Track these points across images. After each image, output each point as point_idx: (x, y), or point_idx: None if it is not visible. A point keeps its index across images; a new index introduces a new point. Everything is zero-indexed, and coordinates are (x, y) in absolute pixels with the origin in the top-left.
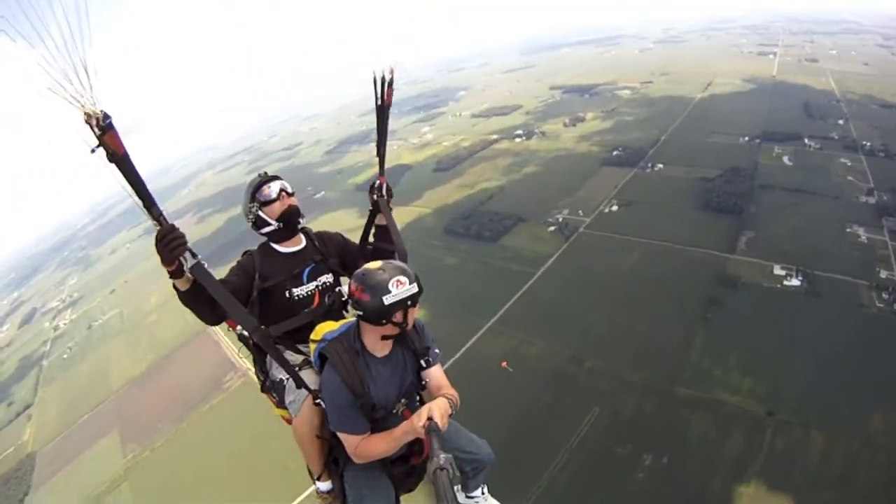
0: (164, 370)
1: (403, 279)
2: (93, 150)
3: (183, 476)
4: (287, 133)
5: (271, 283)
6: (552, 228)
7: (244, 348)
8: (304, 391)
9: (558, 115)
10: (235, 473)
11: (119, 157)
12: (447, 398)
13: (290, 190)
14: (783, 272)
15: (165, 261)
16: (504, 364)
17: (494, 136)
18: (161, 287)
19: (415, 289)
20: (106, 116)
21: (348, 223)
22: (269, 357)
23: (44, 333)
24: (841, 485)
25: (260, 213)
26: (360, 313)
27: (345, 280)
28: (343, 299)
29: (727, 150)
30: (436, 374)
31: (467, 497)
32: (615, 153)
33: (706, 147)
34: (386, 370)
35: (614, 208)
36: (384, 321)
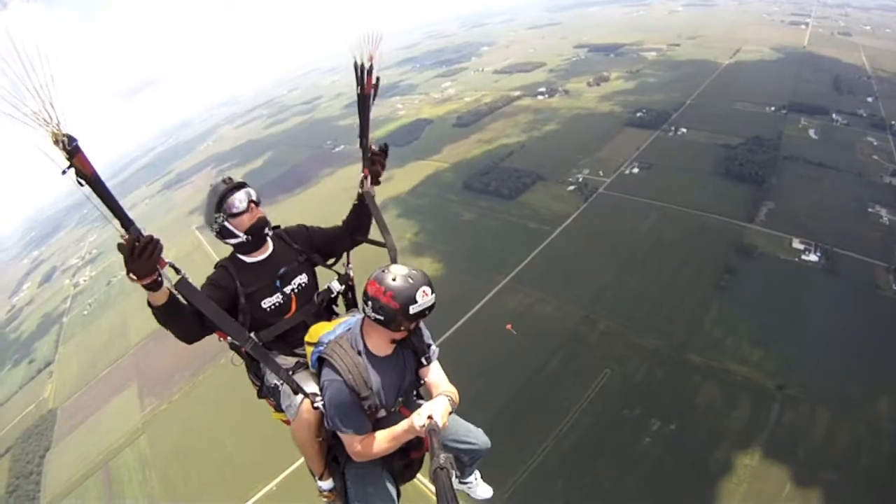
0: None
1: (428, 290)
2: (64, 172)
3: (198, 429)
4: (307, 86)
5: (248, 292)
6: (571, 188)
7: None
8: (299, 396)
9: (582, 74)
10: (248, 425)
11: (88, 178)
12: (446, 397)
13: (256, 199)
14: (801, 246)
15: (143, 273)
16: (509, 326)
17: (516, 93)
18: (178, 242)
19: (434, 299)
20: (71, 140)
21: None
22: (262, 365)
23: (64, 291)
24: (841, 466)
25: (226, 224)
26: (381, 318)
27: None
28: (332, 296)
29: (752, 119)
30: (434, 372)
31: (461, 483)
32: (638, 115)
33: (731, 114)
34: (387, 370)
35: (635, 170)
36: (402, 328)
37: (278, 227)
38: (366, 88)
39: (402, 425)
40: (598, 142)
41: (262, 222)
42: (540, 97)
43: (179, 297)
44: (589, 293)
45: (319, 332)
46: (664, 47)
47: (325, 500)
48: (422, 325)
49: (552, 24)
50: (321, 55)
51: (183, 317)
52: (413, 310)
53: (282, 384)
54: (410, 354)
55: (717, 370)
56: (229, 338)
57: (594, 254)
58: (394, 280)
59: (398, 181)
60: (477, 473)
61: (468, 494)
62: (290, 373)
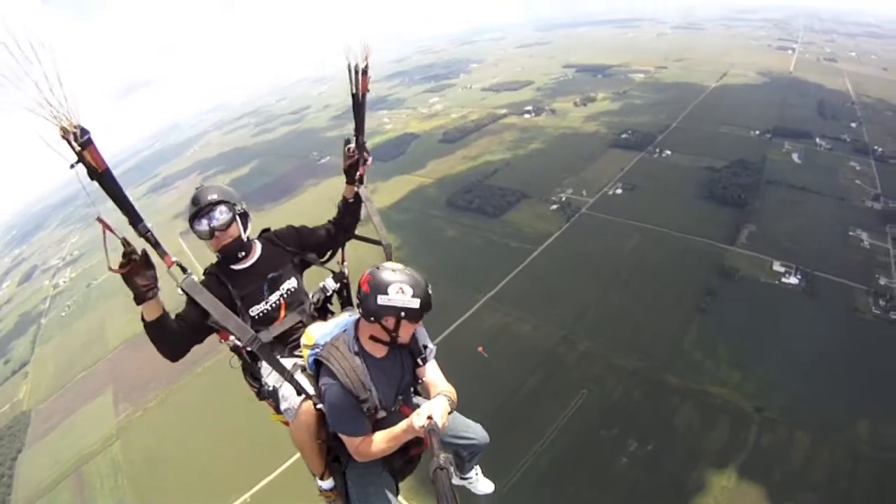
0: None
1: (408, 289)
2: (72, 166)
3: (173, 437)
4: (296, 96)
5: (241, 296)
6: (554, 207)
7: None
8: (298, 398)
9: (569, 94)
10: (224, 436)
11: (100, 174)
12: (445, 397)
13: (222, 224)
14: (782, 269)
15: (147, 282)
16: (480, 349)
17: (503, 111)
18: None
19: (414, 304)
20: (84, 132)
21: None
22: (262, 365)
23: (43, 291)
24: (819, 489)
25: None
26: (360, 307)
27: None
28: (327, 295)
29: (737, 142)
30: (432, 372)
31: (462, 479)
32: (623, 136)
33: (716, 137)
34: (384, 370)
35: (618, 191)
36: (373, 319)
37: (268, 230)
38: (362, 88)
39: (402, 426)
40: (583, 162)
41: (229, 248)
42: (526, 115)
43: (185, 296)
44: (569, 313)
45: (315, 334)
46: (651, 69)
47: (325, 499)
48: (420, 324)
49: (541, 44)
50: (310, 66)
51: (172, 332)
52: (381, 301)
53: (280, 386)
54: (407, 354)
55: (696, 392)
56: (231, 338)
57: (575, 274)
58: (379, 268)
59: (382, 195)
60: (477, 469)
61: (470, 490)
62: (284, 378)
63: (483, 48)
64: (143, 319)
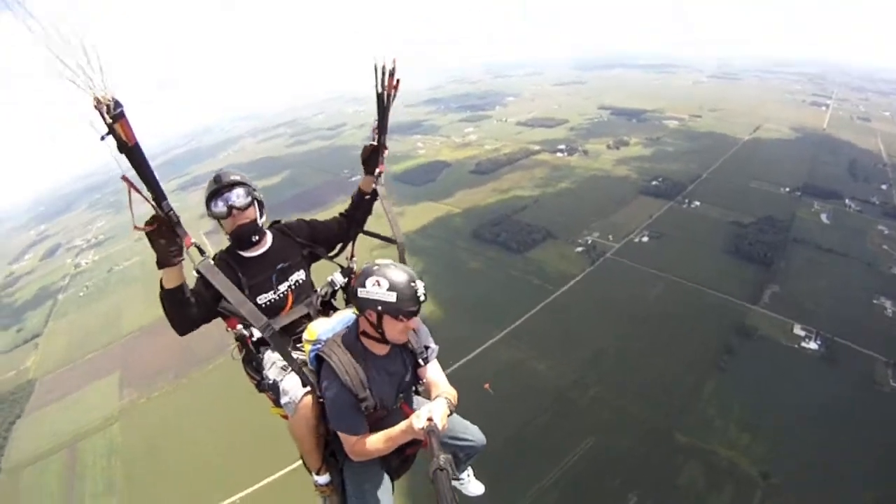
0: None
1: (384, 283)
2: (102, 138)
3: (173, 429)
4: (332, 112)
5: (249, 285)
6: (580, 249)
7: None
8: (298, 392)
9: (602, 136)
10: (226, 434)
11: (129, 148)
12: (446, 399)
13: (242, 204)
14: (803, 332)
15: (169, 244)
16: (487, 386)
17: (536, 147)
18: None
19: (389, 298)
20: (117, 104)
21: (380, 209)
22: (265, 357)
23: (64, 269)
24: None
25: (216, 220)
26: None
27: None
28: (335, 289)
29: (766, 198)
30: (434, 372)
31: (454, 480)
32: (654, 183)
33: (746, 191)
34: (385, 369)
35: (645, 239)
36: (358, 313)
37: (278, 221)
38: (387, 88)
39: (401, 427)
40: (612, 206)
41: (244, 230)
42: (559, 154)
43: (199, 278)
44: (584, 357)
45: (318, 329)
46: (686, 117)
47: (320, 494)
48: (420, 324)
49: (578, 83)
50: (348, 83)
51: (188, 305)
52: (360, 293)
53: (281, 380)
54: (409, 353)
55: (704, 451)
56: (238, 327)
57: (595, 318)
58: (373, 262)
59: (409, 219)
60: (469, 471)
61: (460, 491)
62: (290, 369)
63: (519, 82)
64: (161, 286)
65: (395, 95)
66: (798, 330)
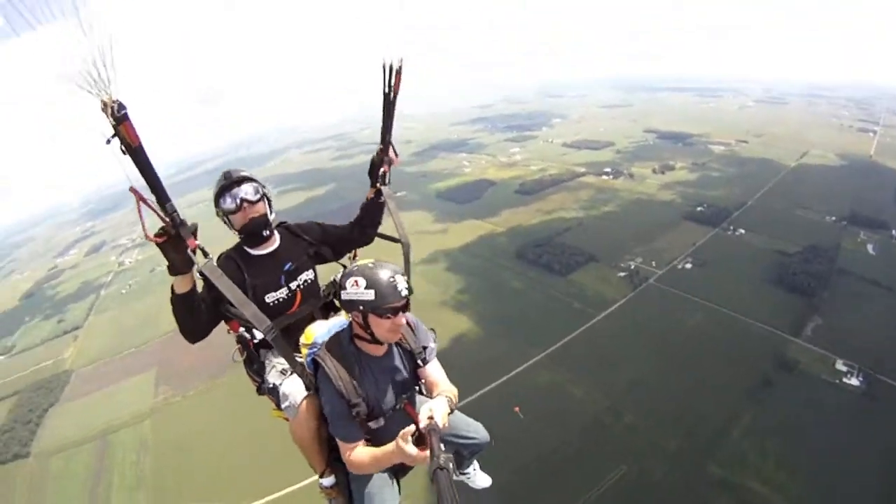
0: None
1: (362, 281)
2: (108, 141)
3: (205, 429)
4: (378, 127)
5: (254, 284)
6: (622, 274)
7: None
8: (298, 396)
9: (648, 159)
10: (257, 438)
11: (133, 149)
12: (446, 397)
13: (252, 198)
14: (845, 368)
15: (180, 253)
16: (516, 409)
17: (581, 169)
18: (220, 249)
19: (367, 296)
20: (121, 107)
21: (423, 225)
22: (266, 360)
23: (108, 266)
24: None
25: (226, 218)
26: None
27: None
28: (335, 290)
29: (811, 227)
30: (433, 371)
31: (460, 474)
32: (699, 209)
33: (791, 219)
34: (381, 370)
35: (688, 266)
36: (352, 316)
37: (285, 222)
38: (394, 89)
39: (389, 448)
40: (655, 231)
41: (255, 223)
42: (604, 176)
43: (202, 280)
44: (621, 383)
45: (314, 332)
46: (732, 142)
47: (326, 496)
48: (419, 324)
49: (625, 105)
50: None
51: (198, 310)
52: (343, 295)
53: (281, 384)
54: (407, 354)
55: (737, 486)
56: (240, 329)
57: (634, 344)
58: (354, 266)
59: (452, 236)
60: (475, 464)
61: (468, 485)
62: (290, 373)
63: (567, 103)
64: (172, 292)
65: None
66: (840, 365)
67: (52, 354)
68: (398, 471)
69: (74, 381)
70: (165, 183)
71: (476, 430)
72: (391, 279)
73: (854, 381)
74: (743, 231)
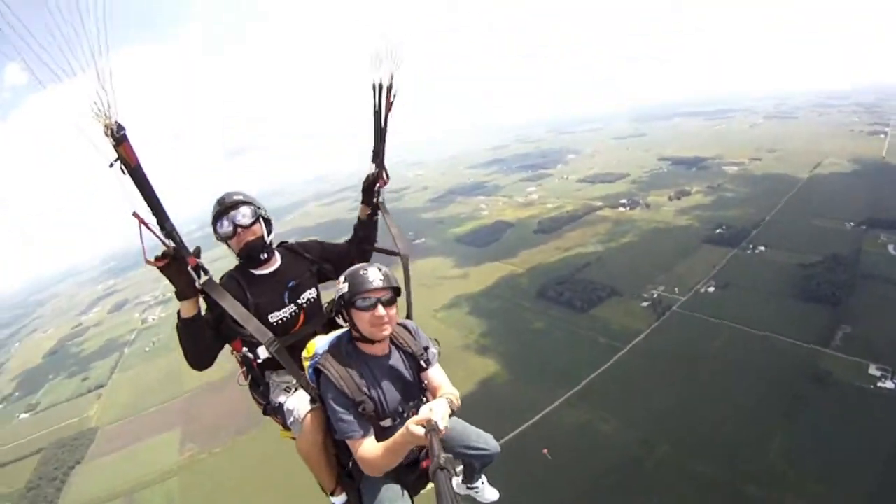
0: (239, 379)
1: (341, 279)
2: (111, 165)
3: (233, 486)
4: (395, 176)
5: (257, 303)
6: (645, 304)
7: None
8: (303, 410)
9: (663, 187)
10: (286, 494)
11: (132, 168)
12: (446, 399)
13: (247, 222)
14: (878, 373)
15: (184, 276)
16: (545, 451)
17: (598, 203)
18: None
19: (343, 289)
20: (120, 127)
21: (444, 271)
22: (271, 381)
23: (131, 323)
24: None
25: (225, 242)
26: None
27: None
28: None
29: (830, 235)
30: (435, 375)
31: (469, 488)
32: (717, 231)
33: (809, 231)
34: (382, 369)
35: (711, 289)
36: (346, 316)
37: (285, 242)
38: (386, 105)
39: (400, 432)
40: (676, 257)
41: (251, 247)
42: (621, 208)
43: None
44: (651, 415)
45: (315, 345)
46: (745, 161)
47: None
48: (418, 329)
49: (637, 136)
50: (406, 151)
51: (203, 335)
52: (334, 297)
53: (285, 401)
54: (409, 357)
55: (775, 502)
56: (243, 350)
57: (661, 374)
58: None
59: (473, 280)
60: (483, 478)
61: (476, 499)
62: (294, 389)
63: (581, 138)
64: (179, 317)
65: (390, 112)
66: (873, 370)
67: (77, 412)
68: (412, 487)
69: (100, 439)
70: (186, 239)
71: (486, 441)
72: (363, 271)
73: (889, 384)
74: (763, 248)
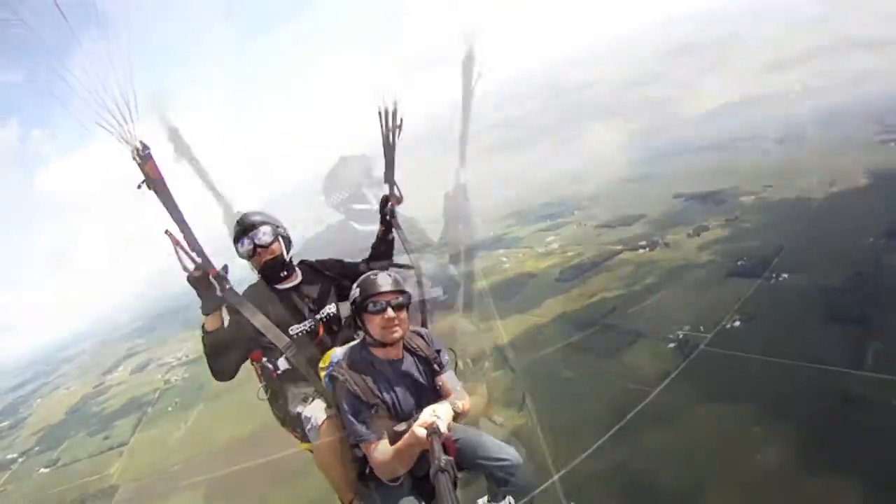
0: (267, 437)
1: (354, 284)
2: (139, 186)
3: None
4: (414, 233)
5: (277, 317)
6: (672, 345)
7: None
8: (320, 417)
9: (681, 224)
10: None
11: (156, 182)
12: (451, 402)
13: (266, 241)
14: None
15: (211, 289)
16: None
17: (618, 247)
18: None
19: (355, 293)
20: (145, 147)
21: (464, 327)
22: (289, 392)
23: (154, 383)
24: None
25: (247, 261)
26: None
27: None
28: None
29: (852, 253)
30: (448, 380)
31: None
32: (739, 263)
33: (830, 251)
34: (397, 373)
35: (736, 323)
36: (358, 318)
37: (306, 260)
38: (392, 128)
39: (406, 436)
40: (699, 294)
41: (271, 266)
42: (641, 250)
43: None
44: (685, 459)
45: (332, 354)
46: (759, 189)
47: None
48: (429, 334)
49: (651, 177)
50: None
51: (227, 346)
52: (349, 298)
53: (302, 410)
54: (423, 361)
55: None
56: (263, 360)
57: (693, 415)
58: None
59: (496, 334)
60: (510, 499)
61: None
62: (311, 399)
63: (595, 183)
64: (203, 330)
65: (399, 135)
66: None
67: (98, 469)
68: (430, 495)
69: (121, 496)
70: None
71: (507, 452)
72: (373, 276)
73: None
74: (786, 275)
